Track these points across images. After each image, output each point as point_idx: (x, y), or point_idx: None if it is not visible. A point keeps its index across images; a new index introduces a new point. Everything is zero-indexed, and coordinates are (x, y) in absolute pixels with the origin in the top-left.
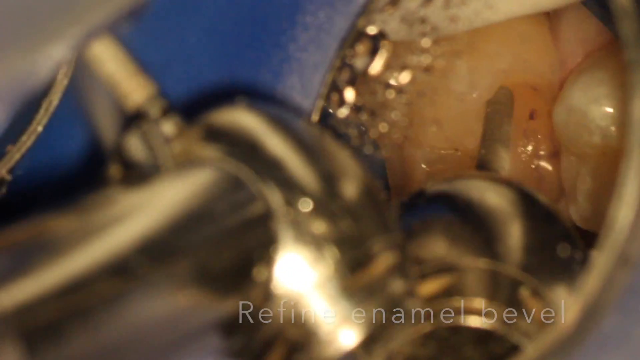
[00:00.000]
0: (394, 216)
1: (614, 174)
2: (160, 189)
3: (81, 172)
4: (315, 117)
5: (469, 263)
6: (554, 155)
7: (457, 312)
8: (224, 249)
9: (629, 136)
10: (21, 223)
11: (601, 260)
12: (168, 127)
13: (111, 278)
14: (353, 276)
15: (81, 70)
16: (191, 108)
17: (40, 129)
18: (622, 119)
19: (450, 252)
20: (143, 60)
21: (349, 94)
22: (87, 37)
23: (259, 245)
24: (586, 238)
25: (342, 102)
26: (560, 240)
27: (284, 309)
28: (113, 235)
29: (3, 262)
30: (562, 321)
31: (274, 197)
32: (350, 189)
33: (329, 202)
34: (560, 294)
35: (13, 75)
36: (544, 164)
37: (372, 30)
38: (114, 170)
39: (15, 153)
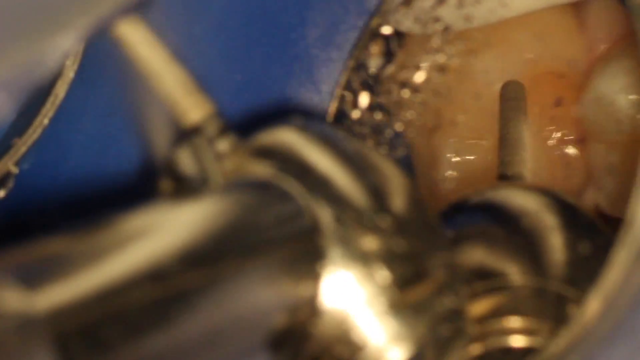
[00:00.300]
0: (443, 231)
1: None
2: (207, 201)
3: (89, 164)
4: (330, 117)
5: (517, 281)
6: (581, 142)
7: (507, 332)
8: (269, 261)
9: None
10: (69, 227)
11: (621, 256)
12: (222, 145)
13: (151, 284)
14: (402, 294)
15: (137, 83)
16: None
17: (46, 121)
18: None
19: (495, 266)
20: None
21: (364, 95)
22: (96, 28)
23: (306, 260)
24: None
25: (356, 102)
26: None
27: (331, 326)
28: (154, 242)
29: (42, 264)
30: (583, 318)
31: (323, 212)
32: (399, 204)
33: (378, 218)
34: None
35: (21, 65)
36: (570, 150)
37: (386, 30)
38: (165, 183)
39: (22, 146)
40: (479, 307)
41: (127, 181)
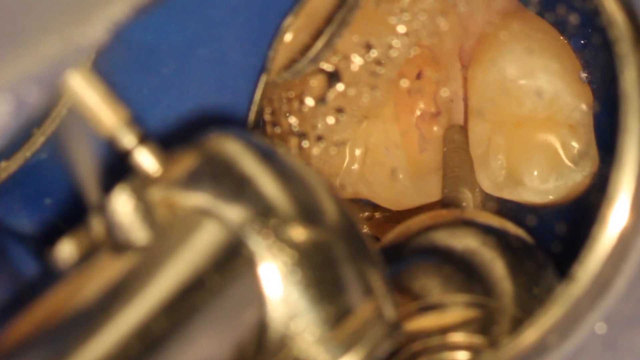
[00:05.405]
0: (372, 243)
1: (526, 142)
2: (152, 264)
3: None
4: None
5: (454, 299)
6: (435, 116)
7: (451, 347)
8: (212, 315)
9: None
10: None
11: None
12: (146, 158)
13: None
14: (334, 330)
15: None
16: (219, 89)
17: (64, 112)
18: (554, 92)
19: (436, 292)
20: (168, 42)
21: None
22: (124, 18)
23: (248, 307)
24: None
25: None
26: (542, 272)
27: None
28: (109, 323)
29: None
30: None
31: (260, 250)
32: (330, 217)
33: (309, 231)
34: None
35: (52, 58)
36: (425, 123)
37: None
38: (97, 225)
39: (40, 136)
40: (420, 324)
41: None
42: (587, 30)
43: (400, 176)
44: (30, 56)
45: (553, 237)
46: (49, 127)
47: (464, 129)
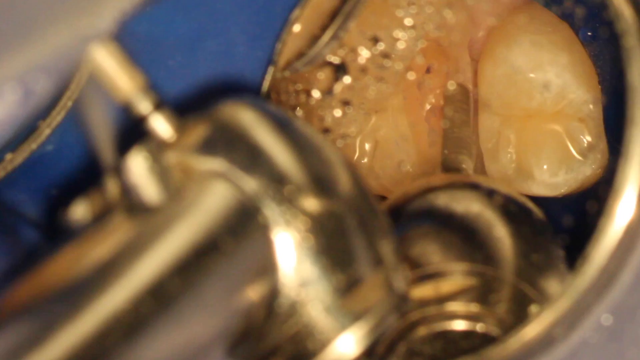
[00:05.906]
0: (384, 214)
1: (536, 135)
2: (166, 224)
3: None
4: None
5: (452, 268)
6: (441, 110)
7: (449, 316)
8: (225, 278)
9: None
10: (32, 270)
11: (598, 252)
12: (161, 124)
13: (120, 325)
14: (344, 299)
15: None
16: (226, 82)
17: (70, 104)
18: (563, 86)
19: (436, 259)
20: (175, 35)
21: None
22: (132, 9)
23: (260, 272)
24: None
25: None
26: (541, 238)
27: (284, 326)
28: (123, 279)
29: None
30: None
31: (274, 216)
32: (342, 187)
33: (327, 222)
34: (549, 291)
35: (60, 48)
36: (435, 117)
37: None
38: (112, 186)
39: (46, 128)
40: (419, 292)
41: None
42: (594, 23)
43: (409, 168)
44: (38, 46)
45: (560, 230)
46: (54, 119)
47: (466, 89)
